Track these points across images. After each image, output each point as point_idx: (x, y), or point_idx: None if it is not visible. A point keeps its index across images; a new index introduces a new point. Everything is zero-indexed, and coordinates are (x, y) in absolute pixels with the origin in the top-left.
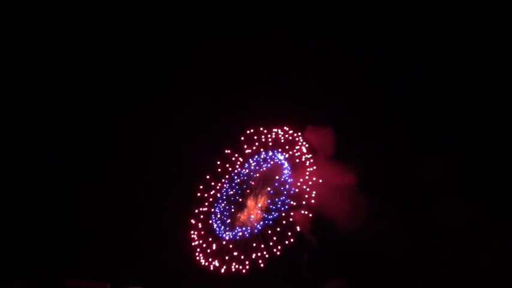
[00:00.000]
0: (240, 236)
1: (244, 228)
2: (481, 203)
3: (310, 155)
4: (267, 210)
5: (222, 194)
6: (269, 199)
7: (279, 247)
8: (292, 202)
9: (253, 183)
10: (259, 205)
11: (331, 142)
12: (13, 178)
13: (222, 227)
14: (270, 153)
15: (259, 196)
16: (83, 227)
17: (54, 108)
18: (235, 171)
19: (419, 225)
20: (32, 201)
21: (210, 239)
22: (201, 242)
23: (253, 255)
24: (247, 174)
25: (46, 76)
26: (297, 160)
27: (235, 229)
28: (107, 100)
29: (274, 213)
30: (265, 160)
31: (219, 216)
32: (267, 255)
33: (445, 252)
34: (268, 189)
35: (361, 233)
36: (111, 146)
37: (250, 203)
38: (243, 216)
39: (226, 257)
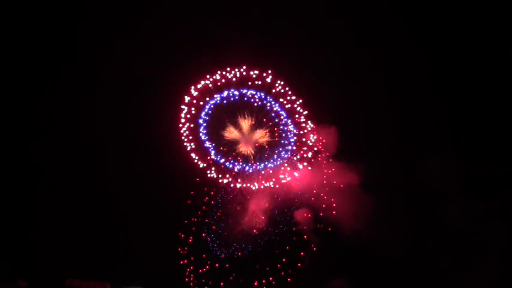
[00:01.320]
0: (237, 248)
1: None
2: (484, 204)
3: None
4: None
5: (217, 202)
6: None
7: (289, 271)
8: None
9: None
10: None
11: (335, 142)
12: (14, 178)
13: (217, 241)
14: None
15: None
16: (83, 227)
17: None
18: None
19: (422, 226)
20: (32, 202)
21: (204, 256)
22: (192, 259)
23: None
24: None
25: None
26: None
27: (233, 245)
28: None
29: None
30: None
31: (213, 228)
32: (273, 282)
33: (448, 253)
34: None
35: (364, 234)
36: (108, 149)
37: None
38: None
39: (221, 284)
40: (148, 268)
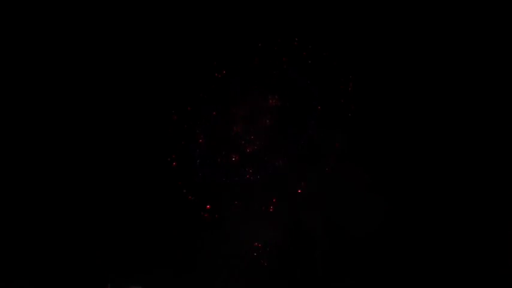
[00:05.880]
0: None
1: None
2: (486, 203)
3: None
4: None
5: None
6: None
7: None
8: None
9: None
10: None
11: (343, 142)
12: (14, 177)
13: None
14: None
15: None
16: (82, 226)
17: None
18: None
19: (430, 226)
20: (31, 201)
21: None
22: None
23: None
24: None
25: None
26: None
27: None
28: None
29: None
30: None
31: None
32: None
33: (457, 253)
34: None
35: (372, 233)
36: (106, 143)
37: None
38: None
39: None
40: (148, 268)
